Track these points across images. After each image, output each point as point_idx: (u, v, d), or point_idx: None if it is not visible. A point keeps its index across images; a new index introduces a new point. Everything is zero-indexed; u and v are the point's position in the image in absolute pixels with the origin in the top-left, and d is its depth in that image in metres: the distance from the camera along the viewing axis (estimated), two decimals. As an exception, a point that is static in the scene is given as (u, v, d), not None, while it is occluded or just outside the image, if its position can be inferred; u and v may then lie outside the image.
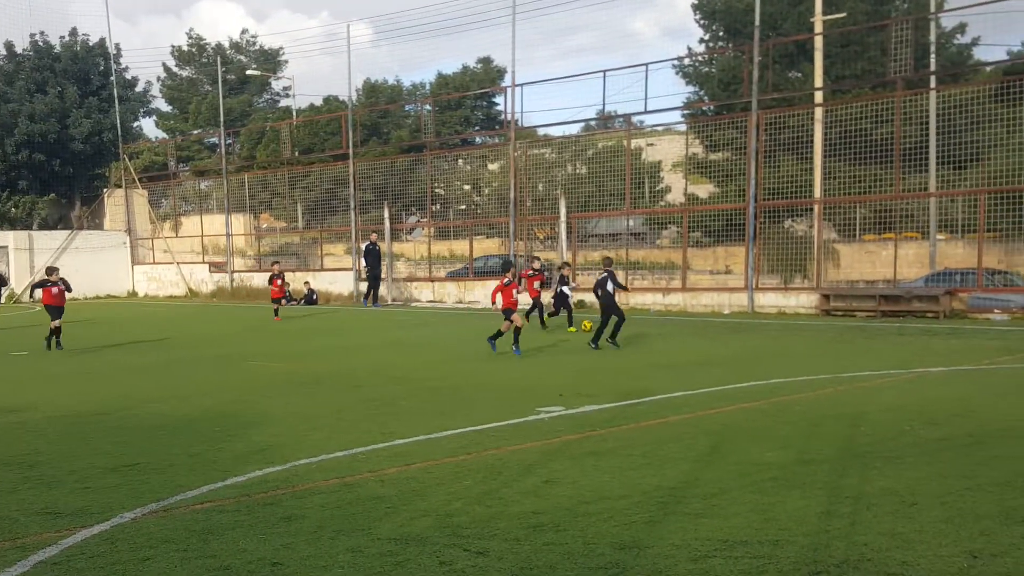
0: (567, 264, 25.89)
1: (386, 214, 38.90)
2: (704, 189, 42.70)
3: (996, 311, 25.15)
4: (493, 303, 18.59)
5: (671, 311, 30.54)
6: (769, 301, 29.42)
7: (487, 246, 42.79)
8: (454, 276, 38.44)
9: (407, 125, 58.58)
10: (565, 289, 24.08)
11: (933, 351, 17.43)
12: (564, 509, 6.94)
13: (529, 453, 8.92)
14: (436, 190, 42.99)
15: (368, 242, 36.33)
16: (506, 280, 18.41)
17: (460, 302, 36.46)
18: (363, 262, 36.50)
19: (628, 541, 6.12)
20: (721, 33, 45.35)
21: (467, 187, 44.90)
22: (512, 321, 18.04)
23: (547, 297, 26.57)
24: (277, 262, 31.75)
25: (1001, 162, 27.13)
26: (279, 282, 29.53)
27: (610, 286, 19.00)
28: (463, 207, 44.66)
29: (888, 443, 9.06)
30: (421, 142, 42.52)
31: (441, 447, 9.32)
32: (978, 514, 6.56)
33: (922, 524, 6.37)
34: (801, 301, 28.72)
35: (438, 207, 43.97)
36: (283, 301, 29.53)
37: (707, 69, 45.43)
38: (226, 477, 8.17)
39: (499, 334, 18.27)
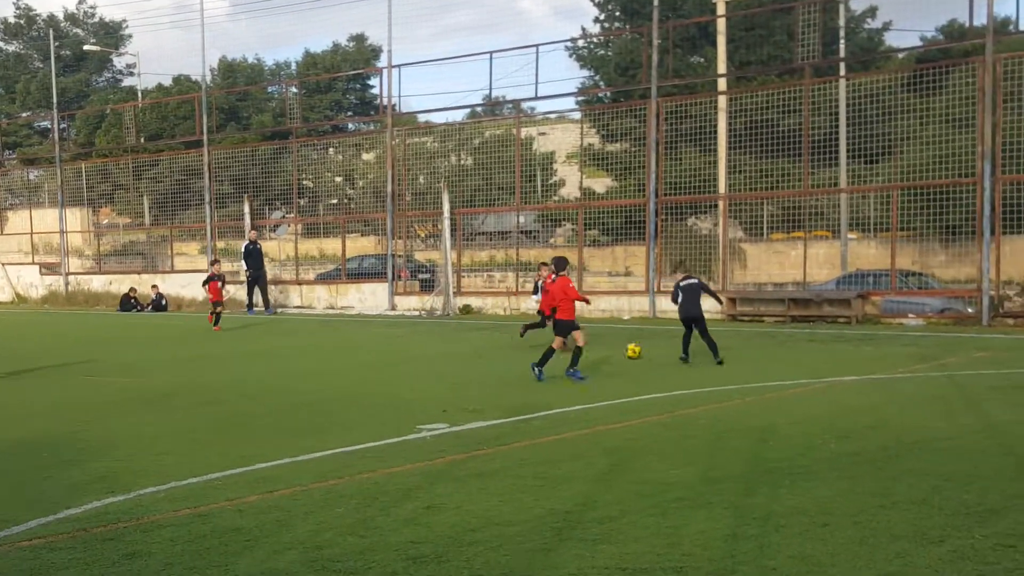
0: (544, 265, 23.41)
1: (246, 209, 38.32)
2: (601, 183, 43.25)
3: (910, 315, 26.04)
4: (548, 314, 16.98)
5: (565, 317, 30.75)
6: (672, 306, 29.76)
7: (362, 245, 42.51)
8: (324, 279, 38.08)
9: (270, 109, 57.84)
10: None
11: (845, 359, 17.94)
12: (448, 538, 6.91)
13: (409, 476, 8.87)
14: (304, 182, 42.53)
15: (247, 242, 35.48)
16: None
17: (331, 308, 36.14)
18: (243, 264, 35.57)
19: (519, 571, 6.12)
20: (618, 13, 46.07)
21: (339, 179, 44.54)
22: (574, 338, 15.70)
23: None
24: (217, 260, 30.93)
25: (914, 156, 28.12)
26: (219, 284, 28.44)
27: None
28: (334, 201, 44.31)
29: (798, 458, 9.27)
30: (286, 128, 42.01)
31: (309, 471, 9.19)
32: (893, 534, 6.75)
33: (834, 546, 6.52)
34: (705, 305, 29.14)
35: (306, 201, 43.53)
36: (219, 308, 27.89)
37: (603, 52, 46.07)
38: (59, 510, 7.89)
39: (549, 355, 15.68)
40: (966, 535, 6.69)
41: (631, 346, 18.85)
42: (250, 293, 35.29)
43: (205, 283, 29.06)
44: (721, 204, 30.89)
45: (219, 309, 27.64)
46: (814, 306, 27.07)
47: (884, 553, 6.34)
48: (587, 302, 17.16)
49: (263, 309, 34.67)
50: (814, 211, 31.19)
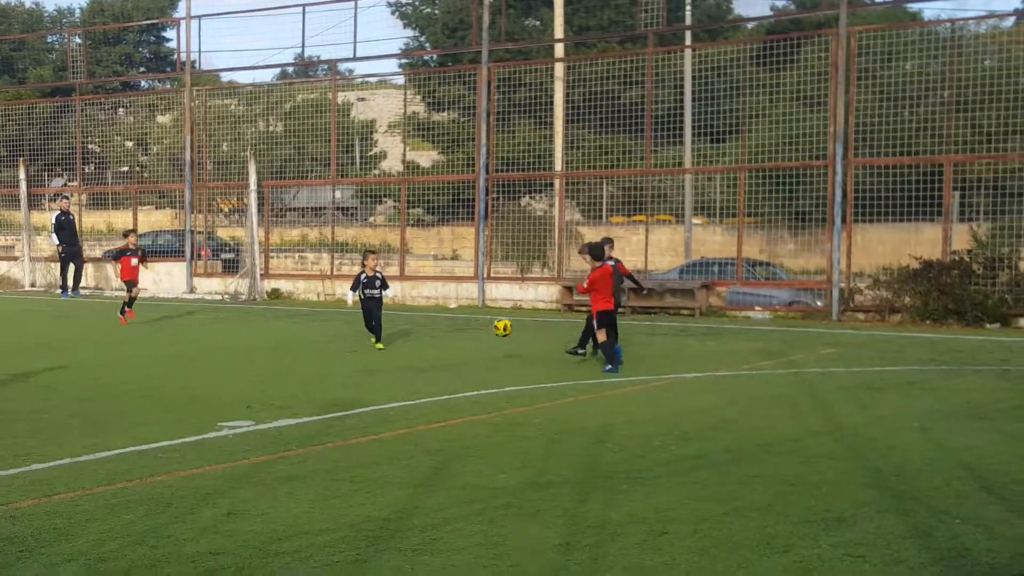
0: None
1: (22, 175, 36.99)
2: (427, 156, 43.33)
3: (757, 308, 26.92)
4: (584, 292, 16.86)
5: (386, 304, 30.71)
6: (503, 293, 30.19)
7: (157, 219, 41.55)
8: (113, 256, 37.01)
9: (50, 61, 55.89)
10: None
11: (688, 354, 18.44)
12: (251, 548, 6.83)
13: (208, 479, 8.72)
14: (89, 146, 41.23)
15: (59, 212, 33.72)
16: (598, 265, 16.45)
17: (121, 289, 35.17)
18: (54, 238, 33.64)
19: (331, 586, 6.10)
20: (448, -33, 46.09)
21: (130, 144, 43.37)
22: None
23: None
24: (132, 231, 26.23)
25: (763, 135, 29.02)
26: (134, 261, 24.02)
27: None
28: (125, 169, 43.16)
29: (636, 461, 9.49)
30: (69, 83, 40.64)
31: (93, 473, 8.94)
32: (736, 543, 6.96)
33: (673, 555, 6.70)
34: (540, 294, 29.65)
35: (92, 168, 42.19)
36: (134, 290, 24.18)
37: (429, 10, 46.09)
38: None
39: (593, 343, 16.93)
40: (812, 544, 6.94)
41: (500, 322, 19.34)
42: (64, 272, 33.48)
43: (115, 257, 25.09)
44: (557, 183, 31.30)
45: (134, 292, 24.22)
46: (656, 296, 27.67)
47: (726, 564, 6.53)
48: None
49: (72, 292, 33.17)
50: (657, 193, 31.90)
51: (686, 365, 16.61)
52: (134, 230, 26.24)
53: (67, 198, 34.88)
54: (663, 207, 34.19)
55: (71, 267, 33.36)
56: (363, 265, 19.09)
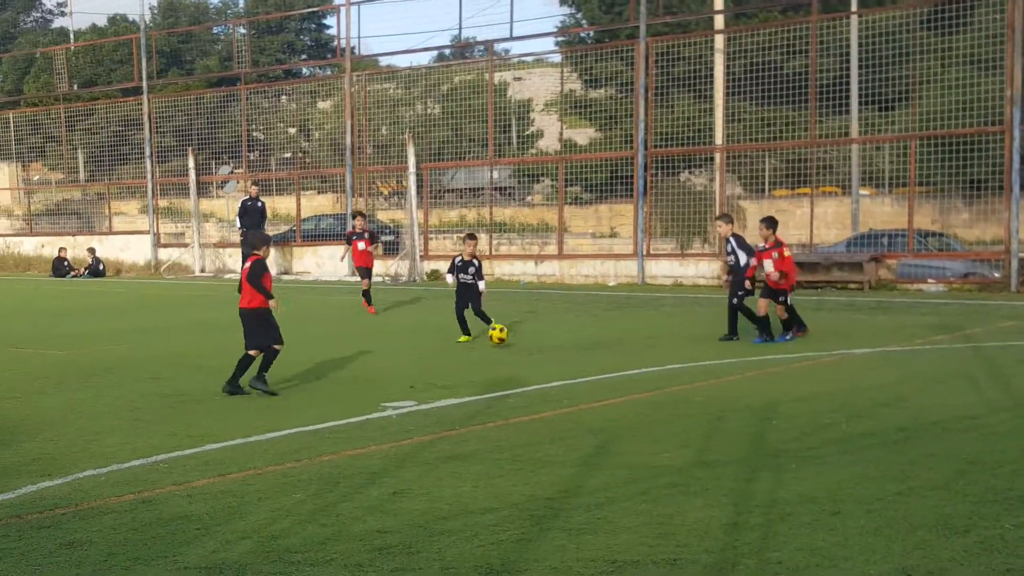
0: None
1: (191, 163, 38.14)
2: (584, 134, 43.17)
3: (929, 281, 26.19)
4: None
5: (545, 283, 30.84)
6: (663, 270, 29.99)
7: (319, 203, 42.39)
8: (278, 241, 37.96)
9: (216, 52, 57.42)
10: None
11: (857, 329, 18.03)
12: (416, 527, 6.91)
13: (373, 459, 8.87)
14: (254, 134, 42.29)
15: (247, 196, 33.23)
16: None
17: (285, 273, 36.07)
18: (238, 223, 33.29)
19: (496, 564, 6.13)
20: (604, -57, 45.83)
21: (292, 130, 44.32)
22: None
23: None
24: (361, 214, 24.04)
25: (934, 102, 28.16)
26: (363, 245, 22.81)
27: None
28: (288, 155, 44.13)
29: (805, 440, 9.32)
30: (234, 73, 41.75)
31: (263, 453, 9.18)
32: (912, 523, 6.78)
33: (846, 536, 6.56)
34: (701, 270, 29.36)
35: (256, 155, 43.31)
36: (366, 280, 22.70)
37: (586, -13, 45.86)
38: (-13, 496, 7.89)
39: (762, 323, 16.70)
40: (994, 524, 6.72)
41: (494, 331, 16.59)
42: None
43: (349, 241, 23.36)
44: (718, 157, 30.91)
45: (364, 284, 22.62)
46: (822, 270, 27.18)
47: (902, 544, 6.36)
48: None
49: None
50: (822, 164, 31.25)
51: (855, 340, 16.25)
52: (362, 212, 24.29)
53: (257, 184, 34.48)
54: (828, 179, 33.47)
55: None
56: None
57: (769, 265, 16.17)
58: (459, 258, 17.77)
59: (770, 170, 34.16)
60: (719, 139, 31.14)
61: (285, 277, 35.15)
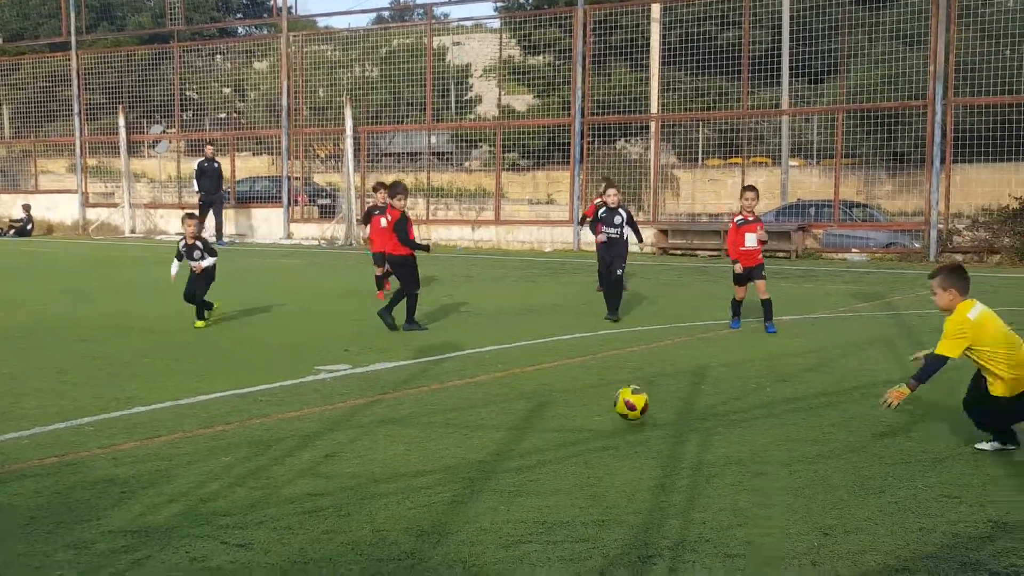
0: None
1: (121, 122, 37.57)
2: (522, 101, 43.14)
3: (854, 250, 26.52)
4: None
5: (482, 248, 30.83)
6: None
7: (254, 165, 42.00)
8: (362, 219, 37.45)
9: (148, 8, 56.54)
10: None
11: (784, 296, 18.19)
12: (348, 490, 6.90)
13: (306, 422, 8.83)
14: (187, 93, 41.72)
15: (203, 158, 33.26)
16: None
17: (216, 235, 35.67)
18: (195, 185, 33.26)
19: (427, 526, 6.14)
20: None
21: (227, 90, 43.78)
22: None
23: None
24: (382, 185, 19.02)
25: (862, 76, 28.44)
26: (382, 221, 17.83)
27: None
28: (222, 116, 43.57)
29: (732, 403, 9.43)
30: (167, 30, 41.11)
31: (193, 416, 9.10)
32: (831, 484, 6.90)
33: (769, 496, 6.65)
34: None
35: (190, 115, 42.72)
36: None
37: (525, -47, 45.67)
38: (-92, 458, 7.77)
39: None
40: (908, 485, 6.87)
41: (627, 396, 9.39)
42: (203, 220, 31.86)
43: (365, 221, 19.95)
44: (653, 126, 31.01)
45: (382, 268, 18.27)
46: (752, 239, 27.36)
47: (821, 504, 6.48)
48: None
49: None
50: (753, 135, 31.48)
51: (782, 308, 16.38)
52: (384, 184, 18.97)
53: (211, 144, 34.43)
54: (759, 149, 33.73)
55: (210, 215, 32.75)
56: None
57: (753, 239, 14.11)
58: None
59: (703, 140, 34.33)
60: (654, 108, 31.25)
61: (219, 240, 34.73)
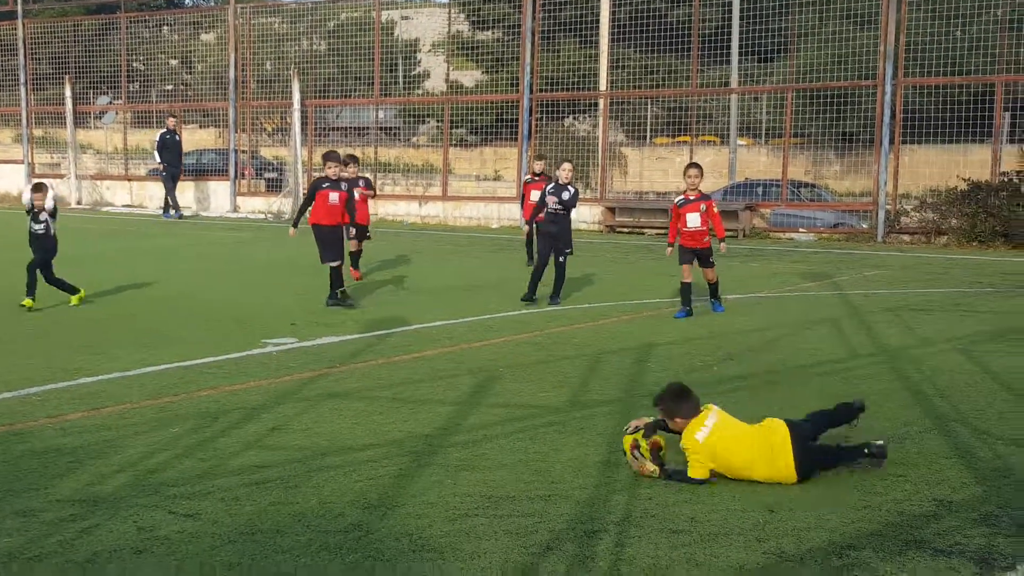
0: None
1: (67, 93, 37.07)
2: (470, 76, 43.04)
3: (801, 230, 26.73)
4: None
5: (428, 224, 30.78)
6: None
7: (200, 138, 41.60)
8: (158, 175, 37.17)
9: (95, -22, 55.70)
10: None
11: (730, 275, 18.31)
12: (295, 462, 6.92)
13: (252, 394, 8.83)
14: (134, 64, 41.24)
15: (165, 130, 32.56)
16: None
17: (166, 208, 35.35)
18: (156, 156, 32.56)
19: (374, 499, 6.18)
20: None
21: (174, 62, 43.32)
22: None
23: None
24: (349, 160, 16.87)
25: (811, 55, 28.61)
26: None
27: None
28: (169, 87, 43.12)
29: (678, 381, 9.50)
30: (114, 1, 40.58)
31: (140, 387, 9.07)
32: (776, 461, 6.98)
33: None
34: (582, 215, 29.52)
35: (137, 86, 42.24)
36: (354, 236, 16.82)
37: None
38: None
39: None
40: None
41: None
42: (171, 192, 32.30)
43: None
44: (602, 103, 31.05)
45: (353, 244, 17.19)
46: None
47: (766, 486, 6.54)
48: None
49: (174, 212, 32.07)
50: (702, 113, 31.60)
51: (729, 286, 16.50)
52: (354, 156, 17.53)
53: (174, 116, 33.57)
54: (708, 128, 33.89)
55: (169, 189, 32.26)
56: None
57: (696, 219, 13.59)
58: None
59: (652, 118, 34.43)
60: (603, 85, 31.25)
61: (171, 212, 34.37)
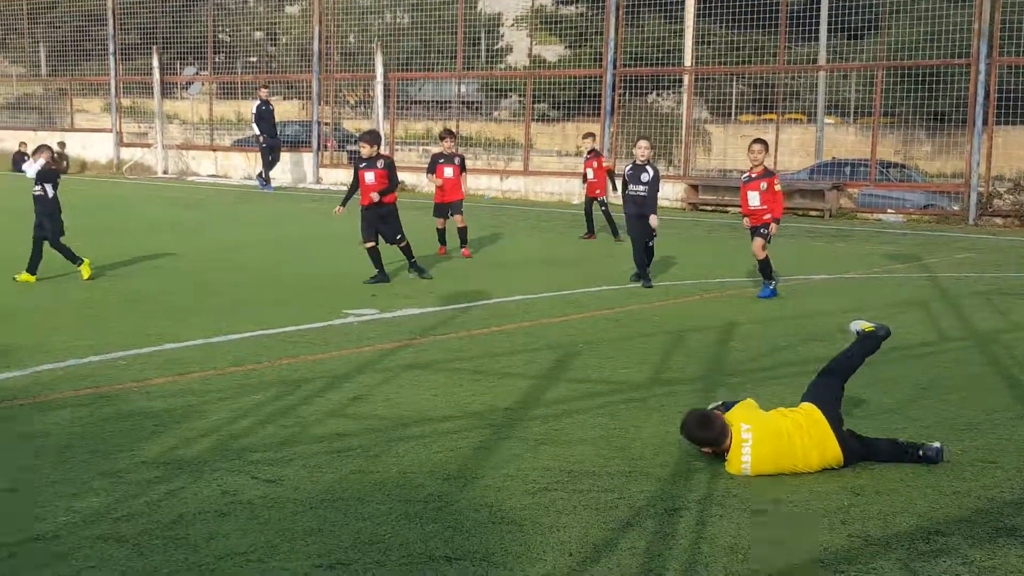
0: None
1: (155, 63, 37.53)
2: (553, 51, 42.81)
3: (889, 211, 26.31)
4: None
5: (509, 199, 30.77)
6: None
7: (284, 109, 41.82)
8: (242, 145, 37.55)
9: (184, -50, 56.25)
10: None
11: (816, 255, 18.16)
12: (376, 431, 6.96)
13: (334, 364, 8.89)
14: (220, 36, 41.64)
15: (259, 101, 32.35)
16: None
17: (249, 178, 35.70)
18: (255, 128, 32.30)
19: (453, 471, 6.19)
20: None
21: (259, 34, 43.65)
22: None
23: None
24: (450, 132, 17.65)
25: (903, 32, 28.08)
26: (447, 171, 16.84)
27: None
28: (254, 59, 43.47)
29: (761, 360, 9.42)
30: (202, -28, 41.01)
31: (223, 354, 9.18)
32: (862, 445, 6.89)
33: (798, 454, 6.65)
34: (665, 192, 29.20)
35: (222, 58, 42.67)
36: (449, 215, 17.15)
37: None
38: (-55, 386, 7.90)
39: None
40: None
41: None
42: (266, 163, 32.17)
43: (430, 170, 17.18)
44: (686, 79, 30.76)
45: (454, 221, 17.14)
46: (784, 197, 27.19)
47: (849, 469, 6.44)
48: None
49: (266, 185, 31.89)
50: (789, 91, 31.18)
51: (814, 267, 16.36)
52: (451, 131, 17.63)
53: (266, 87, 33.28)
54: (795, 106, 33.41)
55: (267, 160, 32.15)
56: None
57: (756, 199, 13.13)
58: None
59: (737, 95, 34.06)
60: (688, 61, 30.94)
61: (249, 182, 34.74)
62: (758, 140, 13.34)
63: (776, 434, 6.36)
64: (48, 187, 13.42)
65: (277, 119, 35.40)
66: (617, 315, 11.79)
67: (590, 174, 20.40)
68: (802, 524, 5.51)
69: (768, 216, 13.10)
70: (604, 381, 8.54)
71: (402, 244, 13.99)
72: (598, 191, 20.37)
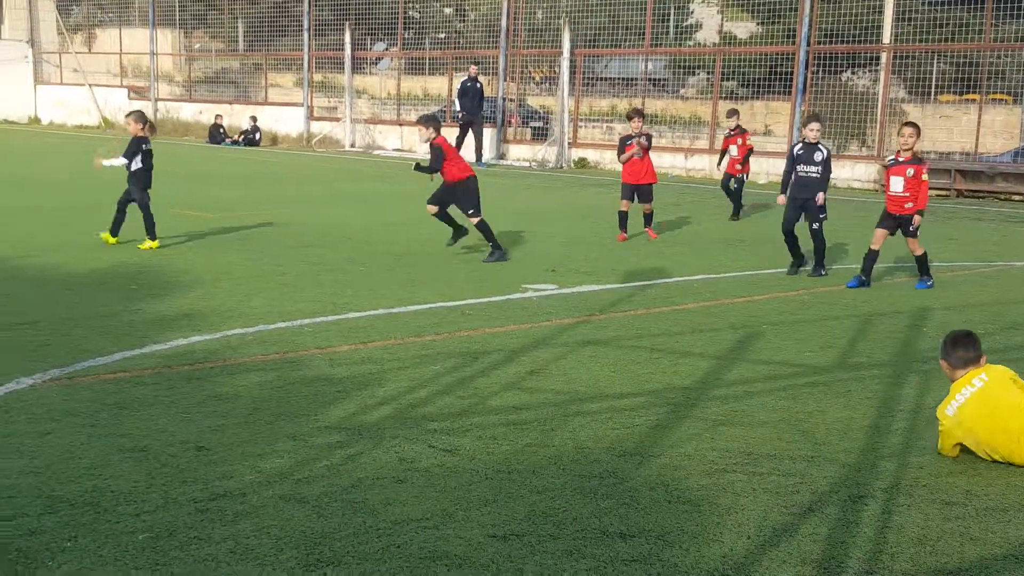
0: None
1: (347, 39, 38.32)
2: (744, 28, 42.17)
3: (1097, 198, 25.16)
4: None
5: (694, 178, 30.47)
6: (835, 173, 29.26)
7: (471, 85, 42.21)
8: (456, 121, 37.98)
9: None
10: None
11: (1019, 241, 17.46)
12: (552, 405, 6.97)
13: (512, 337, 8.94)
14: (409, 12, 42.27)
15: (466, 77, 32.74)
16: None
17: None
18: (456, 104, 32.93)
19: (630, 447, 6.16)
20: None
21: (448, 10, 44.18)
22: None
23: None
24: (638, 112, 16.56)
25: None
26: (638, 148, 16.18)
27: None
28: (442, 35, 44.01)
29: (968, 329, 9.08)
30: (391, -50, 41.67)
31: (404, 324, 9.33)
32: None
33: (991, 445, 6.41)
34: (857, 173, 28.65)
35: (411, 34, 43.32)
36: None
37: None
38: (144, 344, 8.24)
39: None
40: None
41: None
42: (460, 139, 31.79)
43: (620, 151, 16.37)
44: (884, 57, 29.90)
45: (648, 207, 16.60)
46: (985, 180, 26.31)
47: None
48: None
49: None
50: (993, 70, 30.03)
51: (1017, 253, 15.72)
52: (639, 111, 16.59)
53: (476, 64, 33.58)
54: (1000, 86, 32.17)
55: (462, 137, 32.04)
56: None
57: (899, 184, 12.27)
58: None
59: (937, 74, 32.95)
60: (887, 38, 30.08)
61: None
62: (909, 123, 12.58)
63: (1008, 403, 6.07)
64: (137, 160, 13.61)
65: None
66: (803, 297, 11.57)
67: (733, 151, 20.52)
68: (995, 518, 5.30)
69: (910, 206, 12.25)
70: (787, 363, 8.38)
71: (475, 221, 13.80)
72: (739, 167, 20.36)
